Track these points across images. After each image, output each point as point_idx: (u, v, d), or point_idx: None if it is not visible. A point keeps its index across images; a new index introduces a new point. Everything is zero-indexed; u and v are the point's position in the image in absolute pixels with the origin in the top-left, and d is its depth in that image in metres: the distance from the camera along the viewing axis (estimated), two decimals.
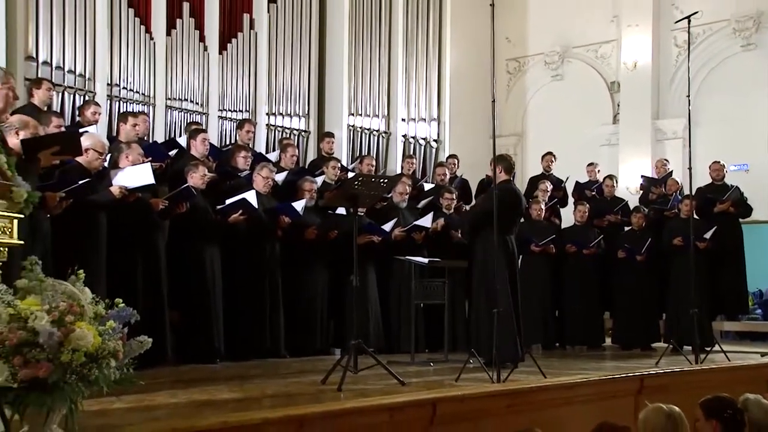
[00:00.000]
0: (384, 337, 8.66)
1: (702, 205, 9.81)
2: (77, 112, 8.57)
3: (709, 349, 8.24)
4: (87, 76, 9.13)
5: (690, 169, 8.33)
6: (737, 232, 10.23)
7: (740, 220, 10.26)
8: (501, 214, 6.38)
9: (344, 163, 10.56)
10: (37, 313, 3.25)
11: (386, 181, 7.33)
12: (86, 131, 6.93)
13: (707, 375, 7.24)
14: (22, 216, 3.77)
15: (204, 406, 4.67)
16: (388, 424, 4.60)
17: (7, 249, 3.69)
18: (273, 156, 9.84)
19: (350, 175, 9.12)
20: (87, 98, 8.84)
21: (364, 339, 6.45)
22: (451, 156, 11.45)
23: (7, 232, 3.65)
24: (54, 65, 8.82)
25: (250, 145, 9.18)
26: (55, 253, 5.69)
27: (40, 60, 8.73)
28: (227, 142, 10.25)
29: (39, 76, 8.38)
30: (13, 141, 5.06)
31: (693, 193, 8.77)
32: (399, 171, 11.04)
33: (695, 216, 8.99)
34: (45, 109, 7.50)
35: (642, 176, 11.46)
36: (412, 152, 12.10)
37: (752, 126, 12.31)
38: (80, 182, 5.90)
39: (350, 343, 5.86)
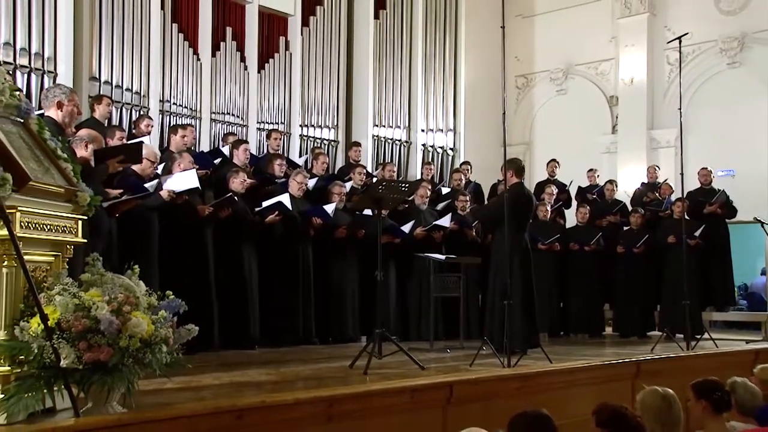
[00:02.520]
0: (405, 327, 8.66)
1: (692, 207, 9.77)
2: (132, 125, 8.65)
3: (699, 337, 8.19)
4: (141, 93, 9.19)
5: (682, 174, 8.29)
6: (724, 231, 10.21)
7: (727, 220, 10.22)
8: (514, 213, 6.35)
9: (369, 169, 10.55)
10: (99, 303, 3.29)
11: (407, 185, 7.33)
12: (141, 142, 6.99)
13: (698, 360, 7.18)
14: (86, 218, 3.81)
15: (244, 387, 4.69)
16: (409, 404, 4.60)
17: (72, 247, 3.72)
18: (302, 160, 9.89)
19: (375, 180, 9.14)
20: (141, 113, 8.91)
21: (386, 328, 6.45)
22: (464, 162, 11.45)
23: (72, 232, 3.69)
24: (113, 84, 8.89)
25: (281, 152, 9.22)
26: (117, 250, 5.78)
27: (102, 80, 8.80)
28: (264, 151, 10.29)
29: (100, 94, 8.46)
30: (81, 153, 5.13)
31: (684, 196, 8.74)
32: (419, 177, 11.03)
33: (686, 217, 8.94)
34: (105, 122, 7.57)
35: (642, 183, 11.40)
36: (430, 159, 12.09)
37: (738, 135, 12.21)
38: (146, 192, 6.02)
39: (375, 332, 5.86)
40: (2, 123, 3.51)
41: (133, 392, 3.38)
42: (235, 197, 7.18)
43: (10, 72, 7.74)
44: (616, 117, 13.60)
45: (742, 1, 12.46)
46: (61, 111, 4.95)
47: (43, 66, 8.25)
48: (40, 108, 5.62)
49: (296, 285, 7.78)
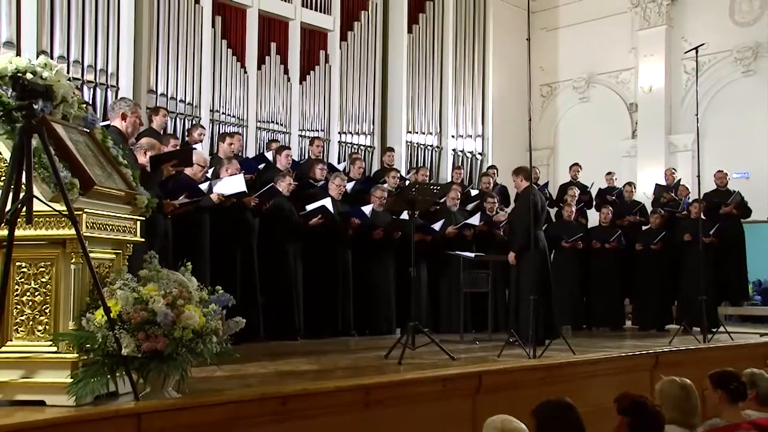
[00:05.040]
0: (437, 320, 8.64)
1: (708, 207, 9.62)
2: (186, 134, 8.76)
3: (715, 330, 8.03)
4: (194, 104, 9.30)
5: (698, 176, 8.16)
6: (739, 230, 10.05)
7: (742, 220, 10.04)
8: (528, 215, 6.36)
9: (403, 173, 10.54)
10: (155, 297, 3.34)
11: (438, 188, 7.30)
12: (193, 148, 7.07)
13: (714, 352, 7.05)
14: (144, 219, 3.87)
15: (287, 375, 4.72)
16: (441, 392, 4.58)
17: (131, 245, 3.79)
18: (341, 166, 9.91)
19: (408, 183, 9.12)
20: (194, 122, 9.02)
21: (419, 321, 6.43)
22: (491, 167, 11.37)
23: (132, 232, 3.75)
24: (168, 96, 9.01)
25: (321, 158, 9.27)
26: (172, 249, 5.86)
27: (159, 92, 8.93)
28: (306, 157, 10.34)
29: (157, 105, 8.59)
30: (141, 159, 5.25)
31: (701, 197, 8.60)
32: (449, 180, 10.99)
33: (703, 217, 8.80)
34: (161, 131, 7.67)
35: (656, 185, 11.25)
36: (460, 164, 12.04)
37: (752, 139, 11.97)
38: (202, 196, 6.10)
39: (409, 325, 5.86)
40: (71, 132, 3.58)
41: (186, 379, 3.43)
42: (279, 189, 7.24)
43: (78, 87, 7.90)
44: (636, 123, 13.42)
45: (755, 13, 12.23)
46: (125, 121, 5.07)
47: (106, 81, 8.40)
48: (105, 119, 5.74)
49: (336, 281, 7.81)
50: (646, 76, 13.14)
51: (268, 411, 3.65)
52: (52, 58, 7.67)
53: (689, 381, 3.66)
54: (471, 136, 12.62)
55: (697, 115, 8.42)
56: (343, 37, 11.26)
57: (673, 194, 10.48)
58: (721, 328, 8.16)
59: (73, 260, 3.34)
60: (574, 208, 9.79)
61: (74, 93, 3.69)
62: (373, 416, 4.14)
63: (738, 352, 7.23)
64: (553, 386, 5.09)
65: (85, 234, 3.27)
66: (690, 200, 9.88)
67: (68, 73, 7.78)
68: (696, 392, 3.63)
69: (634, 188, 10.87)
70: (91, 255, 3.26)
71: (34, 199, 3.07)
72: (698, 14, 12.73)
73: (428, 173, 10.24)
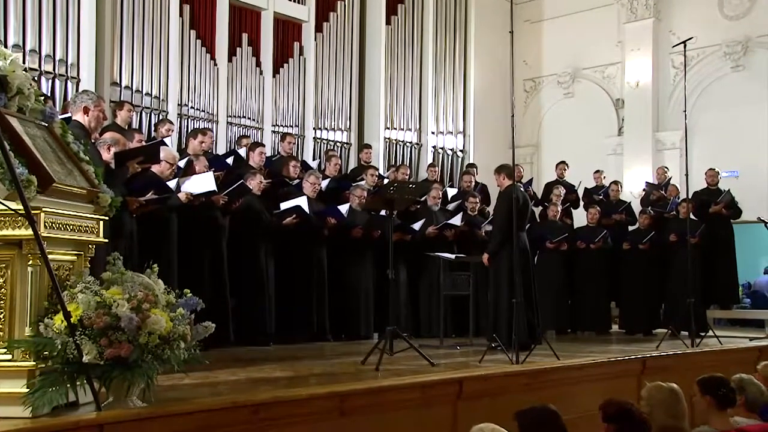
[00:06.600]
0: (416, 324, 8.64)
1: (698, 206, 9.73)
2: (153, 129, 8.69)
3: (703, 334, 8.14)
4: (161, 98, 9.23)
5: (686, 175, 8.25)
6: (729, 231, 10.18)
7: (732, 220, 10.16)
8: (510, 215, 6.39)
9: (381, 171, 10.54)
10: (119, 301, 3.31)
11: (415, 186, 7.30)
12: (163, 142, 7.01)
13: (702, 357, 7.13)
14: (107, 218, 3.83)
15: (260, 382, 4.70)
16: (420, 399, 4.59)
17: (94, 246, 3.74)
18: (315, 163, 9.90)
19: (386, 181, 9.12)
20: (161, 117, 8.94)
21: (398, 325, 6.43)
22: (470, 165, 11.42)
23: (94, 232, 3.71)
24: (134, 89, 8.93)
25: (294, 155, 9.23)
26: (138, 250, 5.81)
27: (123, 85, 8.85)
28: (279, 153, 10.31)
29: (121, 99, 8.50)
30: (105, 155, 5.20)
31: (690, 196, 8.70)
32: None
33: (692, 217, 8.89)
34: (126, 127, 7.60)
35: (646, 182, 11.36)
36: (441, 161, 12.08)
37: (741, 137, 12.11)
38: (163, 195, 6.05)
39: (387, 329, 5.85)
40: (28, 127, 3.53)
41: (152, 387, 3.40)
42: (248, 186, 7.20)
43: (36, 78, 7.80)
44: (622, 119, 13.53)
45: (746, 6, 12.38)
46: (88, 115, 5.02)
47: (66, 72, 8.31)
48: (65, 112, 5.67)
49: (310, 283, 7.79)
50: (633, 71, 13.26)
51: (240, 420, 3.63)
52: (6, 47, 7.56)
53: (676, 386, 3.70)
54: (452, 132, 12.67)
55: (685, 111, 8.51)
56: (319, 29, 11.24)
57: (663, 193, 10.59)
58: (710, 332, 8.26)
59: (31, 262, 3.30)
60: (559, 208, 9.87)
61: (31, 84, 3.64)
62: (349, 425, 4.13)
63: (727, 357, 7.32)
64: (537, 393, 5.11)
65: (43, 234, 3.23)
66: (679, 200, 9.98)
67: (24, 63, 7.67)
68: (683, 395, 3.67)
69: (621, 187, 10.97)
70: (50, 256, 3.22)
71: None
72: (687, 7, 12.87)
73: (409, 171, 10.25)
